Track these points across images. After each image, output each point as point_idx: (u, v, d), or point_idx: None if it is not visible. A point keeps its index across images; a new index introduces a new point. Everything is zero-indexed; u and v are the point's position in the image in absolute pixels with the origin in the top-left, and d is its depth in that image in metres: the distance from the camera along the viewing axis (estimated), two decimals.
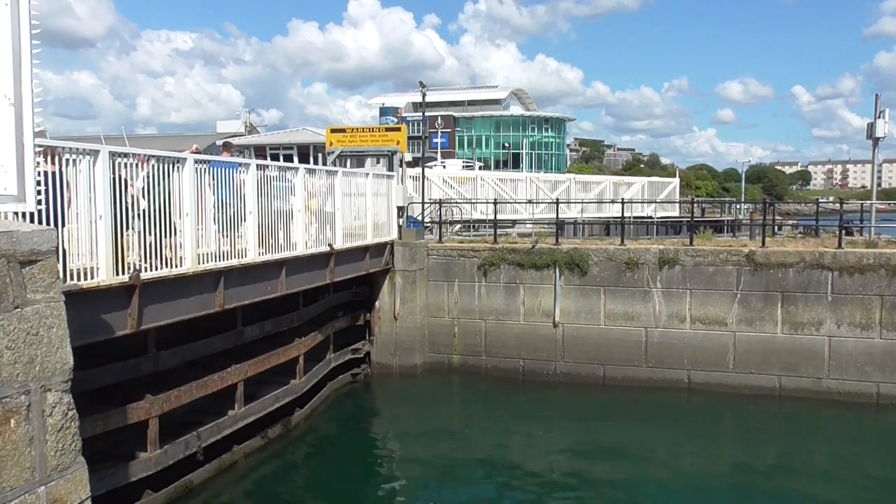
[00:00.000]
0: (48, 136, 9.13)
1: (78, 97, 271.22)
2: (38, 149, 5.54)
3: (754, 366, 16.28)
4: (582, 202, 28.85)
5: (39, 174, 5.51)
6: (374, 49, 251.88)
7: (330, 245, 14.30)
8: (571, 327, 17.50)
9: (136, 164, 8.81)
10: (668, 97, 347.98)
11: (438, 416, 16.28)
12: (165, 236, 9.25)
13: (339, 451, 14.18)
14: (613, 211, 30.02)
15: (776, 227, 24.34)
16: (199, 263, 9.99)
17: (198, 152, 11.61)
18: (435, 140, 60.50)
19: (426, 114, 24.40)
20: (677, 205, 35.99)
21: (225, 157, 12.46)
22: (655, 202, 32.80)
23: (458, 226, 23.41)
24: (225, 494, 11.39)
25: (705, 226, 22.83)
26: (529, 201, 26.52)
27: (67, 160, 7.52)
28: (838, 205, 23.21)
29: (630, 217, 24.68)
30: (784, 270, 16.10)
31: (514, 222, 26.76)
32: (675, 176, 40.35)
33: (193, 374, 11.29)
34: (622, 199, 22.25)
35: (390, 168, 18.82)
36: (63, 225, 7.26)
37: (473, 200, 25.16)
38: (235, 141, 33.91)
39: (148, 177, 8.91)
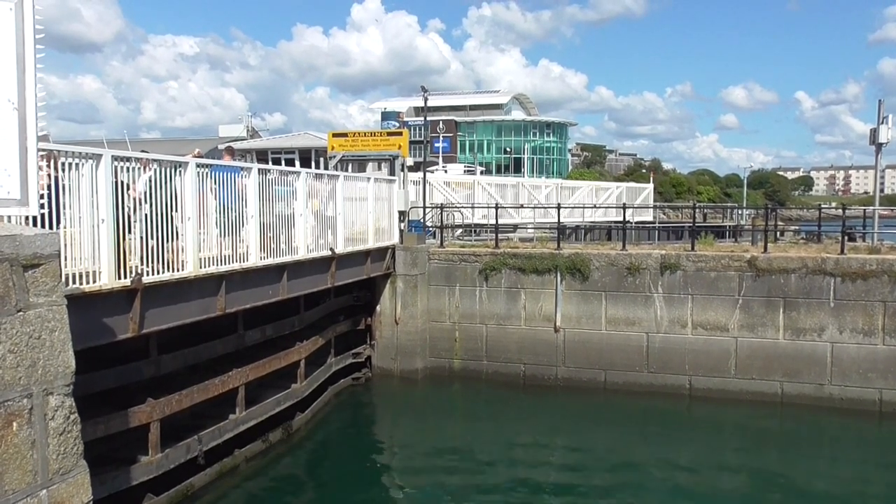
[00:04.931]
0: (51, 139, 9.16)
1: (83, 101, 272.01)
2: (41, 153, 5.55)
3: (756, 372, 16.25)
4: (563, 206, 29.13)
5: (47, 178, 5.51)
6: (378, 54, 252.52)
7: (331, 249, 14.31)
8: (573, 332, 17.48)
9: (138, 168, 8.83)
10: (671, 102, 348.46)
11: (439, 421, 16.25)
12: (167, 240, 9.25)
13: (340, 456, 14.18)
14: (598, 214, 31.18)
15: (778, 233, 24.32)
16: (200, 267, 10.00)
17: (200, 156, 11.62)
18: (437, 144, 60.55)
19: (428, 118, 24.38)
20: (651, 209, 36.76)
21: (227, 161, 12.47)
22: (634, 206, 33.16)
23: (460, 230, 23.41)
24: (226, 498, 11.38)
25: (707, 231, 22.77)
26: (521, 205, 26.56)
27: (70, 164, 7.54)
28: (841, 210, 23.18)
29: (632, 222, 24.68)
30: (786, 276, 16.08)
31: (515, 227, 26.78)
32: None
33: (195, 378, 11.29)
34: (623, 203, 22.25)
35: (392, 172, 18.83)
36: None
37: (472, 205, 25.16)
38: (237, 145, 33.98)
39: (150, 181, 8.93)
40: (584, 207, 30.32)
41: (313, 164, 33.19)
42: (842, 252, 16.30)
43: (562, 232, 20.35)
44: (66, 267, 7.12)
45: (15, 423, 4.76)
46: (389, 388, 17.89)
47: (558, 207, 20.79)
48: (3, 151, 5.06)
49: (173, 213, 9.34)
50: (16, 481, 4.75)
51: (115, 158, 8.21)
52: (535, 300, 17.74)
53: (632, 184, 41.76)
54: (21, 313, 4.86)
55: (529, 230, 27.15)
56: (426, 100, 22.37)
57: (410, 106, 69.99)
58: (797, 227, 33.52)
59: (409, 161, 20.31)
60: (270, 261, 11.95)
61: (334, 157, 19.15)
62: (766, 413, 15.77)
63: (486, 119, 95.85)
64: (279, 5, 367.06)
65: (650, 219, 34.59)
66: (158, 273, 9.09)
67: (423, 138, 25.44)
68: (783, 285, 16.08)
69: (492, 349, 18.07)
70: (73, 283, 7.54)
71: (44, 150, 6.52)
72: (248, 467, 12.45)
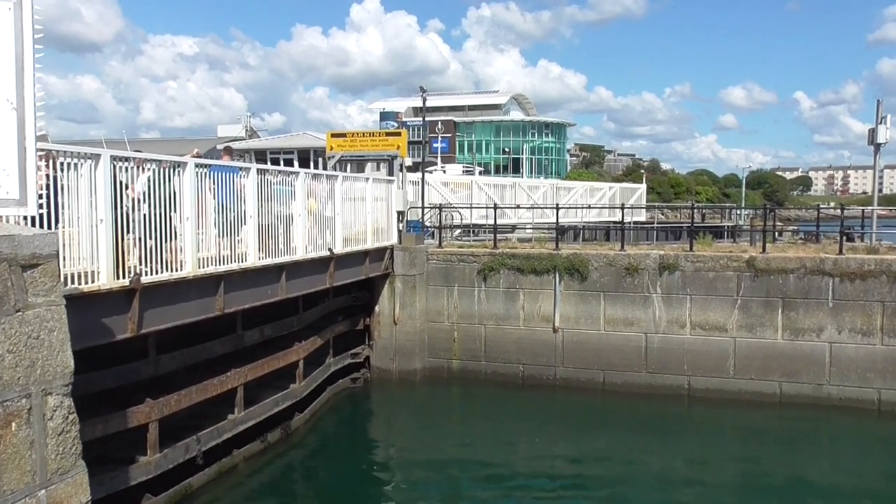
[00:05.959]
0: (50, 139, 9.17)
1: (82, 101, 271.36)
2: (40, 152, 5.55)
3: (755, 372, 16.26)
4: (560, 207, 29.27)
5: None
6: (377, 54, 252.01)
7: (330, 249, 14.30)
8: (571, 332, 17.47)
9: (136, 168, 8.82)
10: (670, 102, 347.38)
11: (438, 422, 16.25)
12: (166, 240, 9.25)
13: (339, 456, 14.18)
14: (592, 215, 31.49)
15: (777, 233, 24.34)
16: (199, 267, 9.99)
17: (199, 156, 11.62)
18: (435, 145, 60.53)
19: (427, 118, 24.39)
20: (644, 210, 37.21)
21: (225, 161, 12.47)
22: (631, 207, 33.30)
23: (458, 230, 23.41)
24: (224, 498, 11.38)
25: (705, 231, 22.76)
26: (518, 206, 26.61)
27: (69, 164, 7.53)
28: (839, 210, 23.21)
29: (632, 223, 24.68)
30: (785, 276, 16.10)
31: (513, 227, 26.79)
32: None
33: (193, 378, 11.28)
34: (622, 204, 22.25)
35: (390, 172, 18.84)
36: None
37: (471, 205, 25.17)
38: (236, 145, 33.94)
39: (149, 181, 8.92)
40: (580, 208, 30.36)
41: (312, 164, 33.10)
42: (840, 252, 16.32)
43: (559, 232, 20.35)
44: (64, 267, 7.11)
45: (13, 423, 4.75)
46: (388, 389, 17.89)
47: (556, 208, 20.79)
48: (2, 151, 5.06)
49: (172, 213, 9.33)
50: (14, 481, 4.75)
51: (113, 158, 8.20)
52: (533, 300, 17.74)
53: (625, 184, 42.33)
54: (20, 313, 4.86)
55: (528, 230, 27.17)
56: (425, 100, 22.39)
57: (409, 106, 69.98)
58: (795, 228, 33.50)
59: (408, 161, 20.30)
60: (269, 261, 11.94)
61: (333, 157, 19.15)
62: (765, 413, 15.79)
63: (484, 119, 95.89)
64: (278, 5, 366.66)
65: (643, 219, 34.76)
66: (157, 273, 9.08)
67: (421, 138, 25.46)
68: (782, 285, 16.09)
69: (490, 349, 18.07)
70: (72, 283, 7.53)
71: (42, 149, 6.52)
72: (246, 467, 12.44)
